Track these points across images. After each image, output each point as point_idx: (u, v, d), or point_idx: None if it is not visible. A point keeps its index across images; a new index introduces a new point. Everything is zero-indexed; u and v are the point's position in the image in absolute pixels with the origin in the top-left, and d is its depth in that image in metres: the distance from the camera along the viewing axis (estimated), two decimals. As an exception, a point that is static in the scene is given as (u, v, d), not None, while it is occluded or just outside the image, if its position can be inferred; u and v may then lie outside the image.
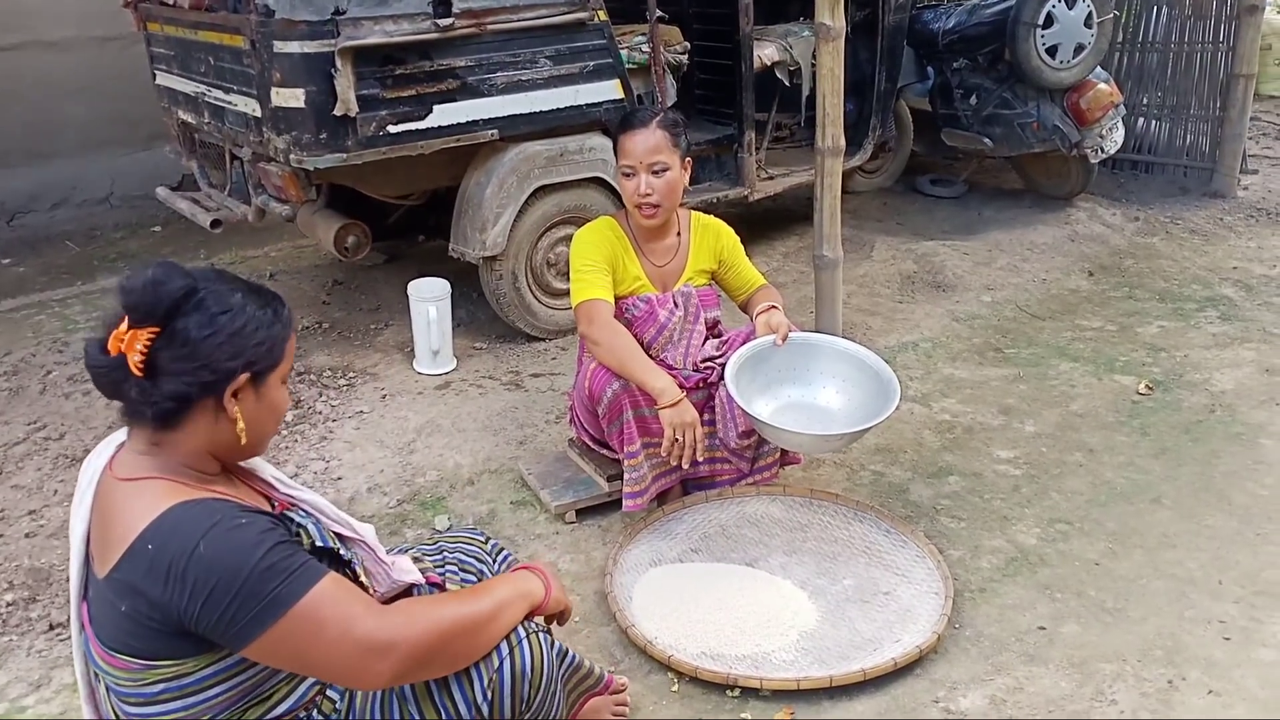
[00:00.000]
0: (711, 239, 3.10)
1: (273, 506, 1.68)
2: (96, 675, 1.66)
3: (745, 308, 3.14)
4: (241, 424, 1.54)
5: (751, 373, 2.90)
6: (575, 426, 3.18)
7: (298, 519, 1.68)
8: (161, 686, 1.50)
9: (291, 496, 1.74)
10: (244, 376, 1.53)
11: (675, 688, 2.36)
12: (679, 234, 3.07)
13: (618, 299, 2.98)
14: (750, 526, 2.92)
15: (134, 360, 1.45)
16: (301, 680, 1.61)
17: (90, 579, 1.55)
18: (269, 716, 1.59)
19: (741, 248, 3.15)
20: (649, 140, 2.87)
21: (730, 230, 3.15)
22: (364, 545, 1.78)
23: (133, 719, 1.55)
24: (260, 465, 1.75)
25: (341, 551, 1.72)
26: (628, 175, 2.91)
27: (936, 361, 4.10)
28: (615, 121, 4.12)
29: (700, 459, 2.86)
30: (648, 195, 2.88)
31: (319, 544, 1.67)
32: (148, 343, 1.45)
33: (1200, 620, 2.53)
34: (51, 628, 2.65)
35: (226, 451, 1.59)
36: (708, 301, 3.10)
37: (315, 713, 1.64)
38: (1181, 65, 6.38)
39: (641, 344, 2.92)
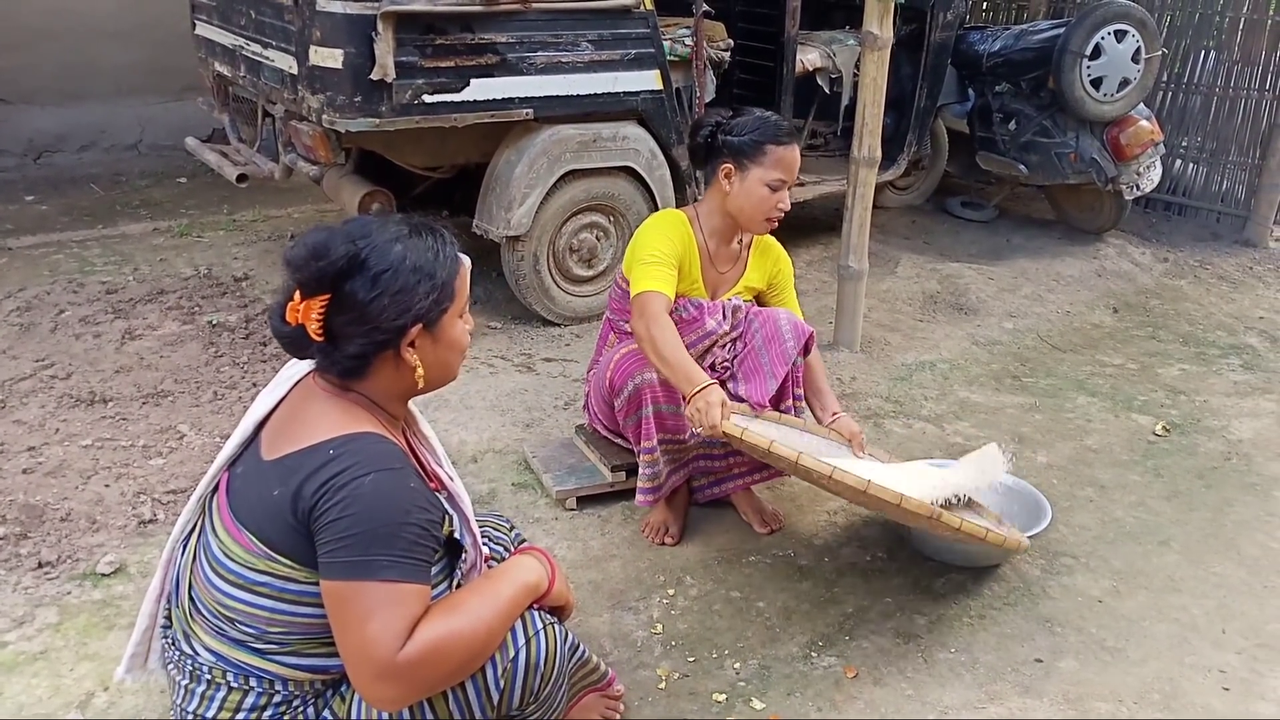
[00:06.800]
0: (770, 263, 3.03)
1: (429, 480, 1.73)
2: (184, 544, 1.69)
3: None
4: (420, 370, 1.62)
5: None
6: (588, 413, 3.14)
7: (445, 505, 1.71)
8: (266, 579, 1.52)
9: (439, 478, 1.79)
10: (416, 329, 1.58)
11: (663, 685, 2.32)
12: (740, 241, 2.99)
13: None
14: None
15: (312, 330, 1.53)
16: None
17: (248, 458, 1.63)
18: (321, 662, 1.60)
19: (793, 279, 3.09)
20: (799, 156, 2.82)
21: (787, 257, 3.08)
22: (469, 523, 1.80)
23: (216, 592, 1.56)
24: (432, 437, 1.85)
25: (465, 551, 1.73)
26: (774, 188, 2.77)
27: (953, 384, 4.05)
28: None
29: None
30: (787, 210, 2.83)
31: (456, 535, 1.70)
32: (321, 312, 1.52)
33: (1201, 668, 2.49)
34: (40, 565, 2.62)
35: (410, 391, 1.67)
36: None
37: (345, 685, 1.64)
38: (1225, 110, 6.31)
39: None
